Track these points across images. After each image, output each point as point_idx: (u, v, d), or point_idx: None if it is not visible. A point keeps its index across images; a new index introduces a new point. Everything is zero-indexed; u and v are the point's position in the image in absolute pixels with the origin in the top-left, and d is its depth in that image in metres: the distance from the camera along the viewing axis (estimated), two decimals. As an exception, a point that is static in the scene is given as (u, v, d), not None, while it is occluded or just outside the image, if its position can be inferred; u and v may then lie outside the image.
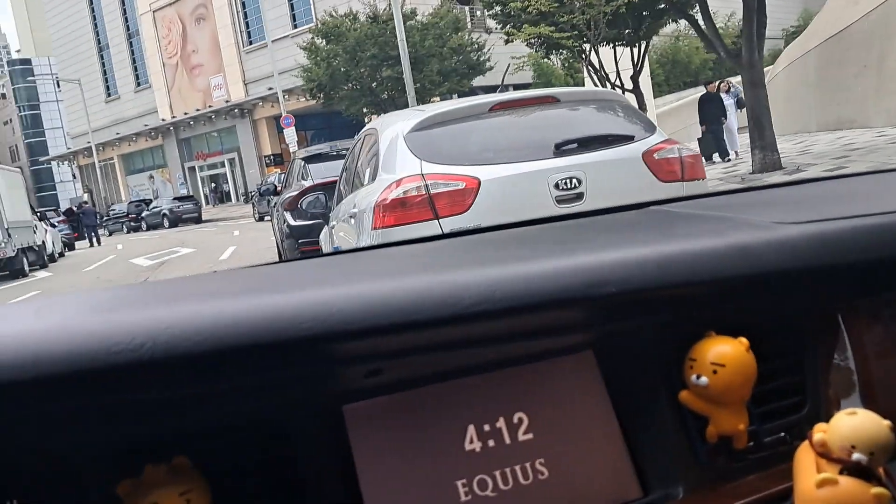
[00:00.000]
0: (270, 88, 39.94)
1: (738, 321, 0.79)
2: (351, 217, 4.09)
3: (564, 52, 20.81)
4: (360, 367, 0.67)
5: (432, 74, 26.08)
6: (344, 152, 8.05)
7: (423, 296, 0.66)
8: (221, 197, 45.99)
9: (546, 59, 25.99)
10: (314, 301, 0.64)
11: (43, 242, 19.86)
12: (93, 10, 50.82)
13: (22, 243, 17.52)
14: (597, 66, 18.29)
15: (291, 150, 31.67)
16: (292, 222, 7.40)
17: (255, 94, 41.03)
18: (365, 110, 28.85)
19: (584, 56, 19.75)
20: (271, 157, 42.43)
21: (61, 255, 22.72)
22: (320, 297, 0.65)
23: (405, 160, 3.56)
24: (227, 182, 45.62)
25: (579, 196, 3.37)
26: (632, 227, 1.04)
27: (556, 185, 3.33)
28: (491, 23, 25.61)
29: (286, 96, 39.28)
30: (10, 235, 16.71)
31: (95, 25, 50.80)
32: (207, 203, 44.74)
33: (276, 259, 11.86)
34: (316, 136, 42.06)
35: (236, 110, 41.94)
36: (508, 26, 19.93)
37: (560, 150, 3.39)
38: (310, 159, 7.81)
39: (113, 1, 49.06)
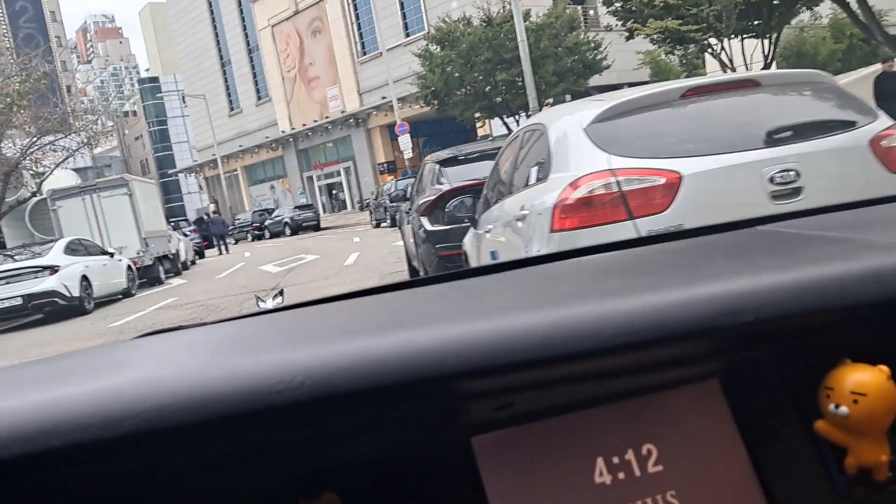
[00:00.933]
0: (384, 97, 40.53)
1: (874, 347, 0.75)
2: (518, 220, 3.77)
3: (689, 46, 19.95)
4: (491, 401, 0.68)
5: (548, 75, 25.61)
6: (479, 154, 7.80)
7: (560, 329, 0.66)
8: (338, 205, 47.04)
9: (670, 55, 25.05)
10: (453, 337, 0.65)
11: (177, 251, 20.70)
12: (215, 28, 53.21)
13: (158, 252, 18.28)
14: (725, 59, 17.37)
15: (406, 157, 31.89)
16: (429, 227, 7.17)
17: (370, 104, 41.73)
18: (478, 115, 28.67)
19: (710, 50, 18.86)
20: (385, 165, 43.04)
21: (193, 262, 23.67)
22: (458, 332, 0.66)
23: (586, 155, 3.21)
24: (343, 190, 46.60)
25: (797, 191, 2.93)
26: (749, 251, 1.01)
27: (771, 180, 2.90)
28: (609, 20, 24.98)
29: (399, 104, 39.81)
30: (147, 245, 17.45)
31: (218, 42, 53.16)
32: (325, 211, 45.84)
33: (405, 264, 11.84)
34: (428, 143, 42.40)
35: (351, 120, 42.80)
36: (631, 22, 19.29)
37: (773, 138, 2.96)
38: (445, 163, 7.58)
39: (234, 18, 51.19)
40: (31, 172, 18.98)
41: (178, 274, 20.29)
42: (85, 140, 19.55)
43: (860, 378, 0.71)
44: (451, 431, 0.70)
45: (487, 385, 0.65)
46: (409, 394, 0.63)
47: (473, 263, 5.56)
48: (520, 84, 26.68)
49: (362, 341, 0.66)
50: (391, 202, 9.37)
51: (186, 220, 28.62)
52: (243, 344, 0.76)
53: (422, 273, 8.05)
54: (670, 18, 16.05)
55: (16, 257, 14.45)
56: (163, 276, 18.34)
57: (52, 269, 13.25)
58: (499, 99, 27.16)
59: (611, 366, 0.68)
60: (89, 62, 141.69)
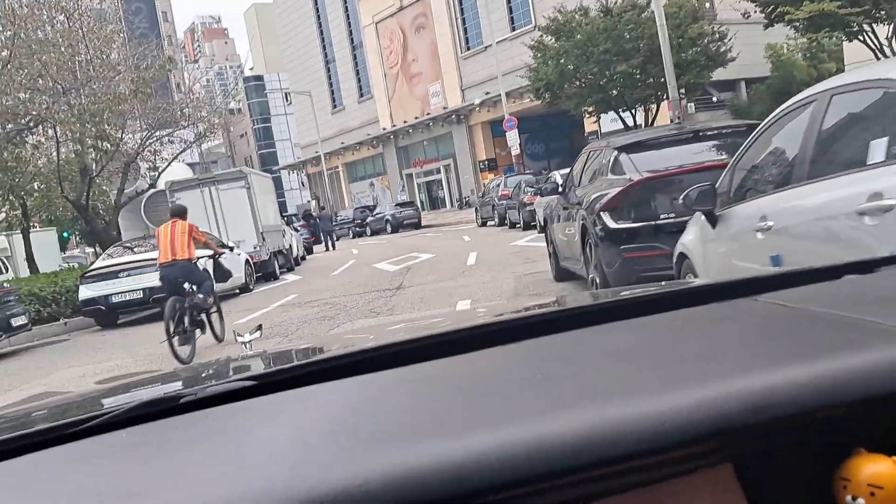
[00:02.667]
0: (487, 93, 39.61)
1: (890, 436, 0.74)
2: (862, 214, 2.68)
3: (837, 32, 18.14)
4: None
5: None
6: (672, 139, 6.68)
7: (588, 435, 0.66)
8: (436, 202, 46.41)
9: (816, 42, 23.13)
10: (482, 448, 0.65)
11: (290, 246, 20.31)
12: (320, 26, 53.54)
13: (274, 247, 17.86)
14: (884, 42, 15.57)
15: (513, 153, 30.85)
16: (613, 225, 6.13)
17: (472, 100, 40.89)
18: (591, 109, 27.28)
19: (861, 37, 17.04)
20: (486, 163, 42.14)
21: (303, 258, 23.32)
22: (491, 441, 0.66)
23: None
24: (442, 188, 45.95)
25: None
26: (758, 331, 0.97)
27: None
28: (730, 14, 23.27)
29: (505, 99, 38.77)
30: (264, 239, 17.03)
31: (322, 40, 53.46)
32: (423, 209, 45.33)
33: (537, 265, 10.82)
34: (530, 140, 41.21)
35: (453, 117, 42.09)
36: (771, 9, 17.68)
37: None
38: (629, 149, 6.50)
39: (339, 16, 51.33)
40: (149, 165, 18.90)
41: (290, 270, 19.87)
42: (201, 131, 19.37)
43: (876, 470, 0.70)
44: None
45: (511, 494, 0.64)
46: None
47: (702, 268, 4.48)
48: (637, 76, 25.19)
49: (433, 443, 0.66)
50: (541, 194, 8.37)
51: (295, 215, 28.40)
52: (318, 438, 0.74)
53: (589, 277, 7.00)
54: (828, 0, 14.42)
55: (135, 249, 14.17)
56: (278, 271, 17.92)
57: (174, 262, 12.84)
58: (614, 92, 25.75)
59: (628, 468, 0.67)
60: (196, 62, 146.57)
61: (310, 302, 11.84)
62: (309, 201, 53.50)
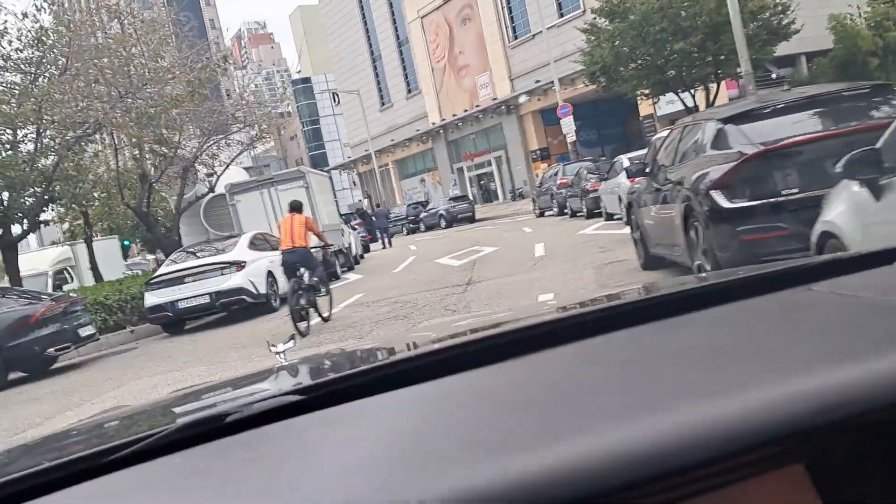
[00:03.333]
0: (537, 81, 38.81)
1: None
2: None
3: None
4: None
5: (731, 43, 22.96)
6: (785, 106, 5.98)
7: (656, 447, 0.63)
8: (489, 195, 45.77)
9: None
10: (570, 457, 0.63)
11: (349, 245, 19.98)
12: (366, 24, 53.35)
13: (334, 246, 17.51)
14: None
15: (569, 140, 30.07)
16: (727, 204, 5.47)
17: (521, 90, 40.12)
18: (647, 91, 26.31)
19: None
20: (538, 153, 41.34)
21: (362, 257, 22.99)
22: (584, 448, 0.64)
23: None
24: (494, 180, 45.30)
25: None
26: (820, 324, 0.92)
27: None
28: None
29: (554, 86, 37.92)
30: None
31: (369, 38, 53.26)
32: (476, 202, 44.76)
33: (617, 253, 10.18)
34: (582, 127, 40.18)
35: (503, 107, 41.39)
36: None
37: None
38: (735, 120, 5.83)
39: (384, 13, 51.04)
40: (207, 170, 18.73)
41: (351, 269, 19.53)
42: (256, 133, 19.14)
43: None
44: None
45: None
46: None
47: (858, 248, 3.81)
48: (695, 55, 24.18)
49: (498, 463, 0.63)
50: (630, 174, 7.73)
51: (351, 214, 28.19)
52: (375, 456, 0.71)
53: (694, 264, 6.34)
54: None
55: (198, 254, 13.93)
56: (339, 270, 17.56)
57: (240, 266, 12.53)
58: (672, 72, 24.76)
59: (707, 473, 0.65)
60: (244, 68, 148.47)
61: (378, 301, 11.39)
62: (360, 200, 53.40)
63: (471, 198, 39.20)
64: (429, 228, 37.13)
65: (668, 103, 34.87)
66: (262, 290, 12.69)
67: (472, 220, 35.25)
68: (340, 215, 21.51)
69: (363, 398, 0.89)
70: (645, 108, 35.50)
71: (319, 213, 16.70)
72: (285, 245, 9.31)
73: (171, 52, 15.31)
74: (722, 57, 23.15)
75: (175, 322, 12.92)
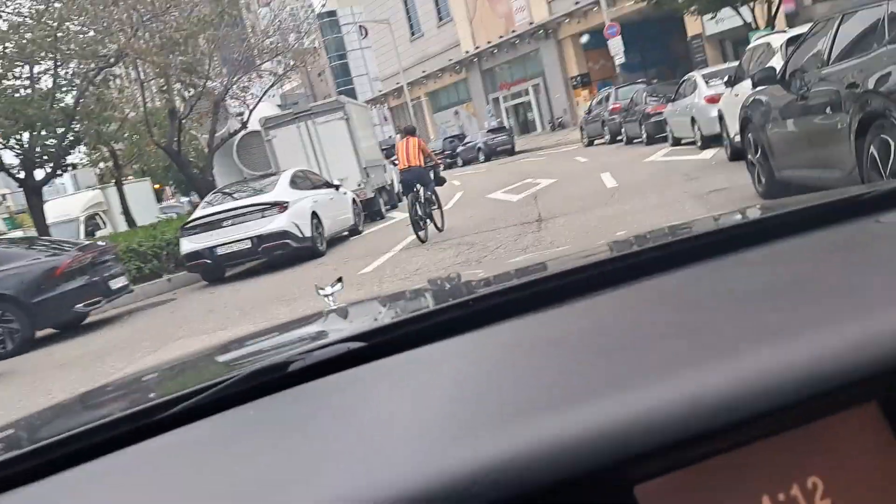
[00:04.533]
0: (577, 2, 36.42)
1: None
2: None
3: None
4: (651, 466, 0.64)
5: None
6: None
7: (731, 394, 0.62)
8: (525, 126, 43.78)
9: None
10: (619, 420, 0.61)
11: (392, 181, 18.61)
12: (394, -51, 50.64)
13: (377, 183, 16.18)
14: None
15: (618, 61, 27.97)
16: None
17: (560, 12, 37.73)
18: (702, 6, 24.05)
19: None
20: (579, 79, 39.12)
21: (404, 194, 21.58)
22: (633, 404, 0.62)
23: None
24: (532, 110, 43.25)
25: None
26: (875, 258, 0.89)
27: None
28: None
29: (595, 7, 35.55)
30: (368, 175, 15.33)
31: (397, -36, 50.60)
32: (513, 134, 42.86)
33: (715, 179, 8.61)
34: (625, 51, 37.75)
35: (540, 32, 39.06)
36: None
37: None
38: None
39: (412, -64, 48.29)
40: (239, 103, 17.28)
41: (394, 207, 18.19)
42: (289, 63, 17.58)
43: None
44: (614, 483, 0.64)
45: (662, 455, 0.61)
46: (580, 485, 0.59)
47: None
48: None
49: (536, 422, 0.61)
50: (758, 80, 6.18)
51: (388, 148, 26.70)
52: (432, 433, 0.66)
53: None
54: None
55: (235, 195, 12.63)
56: (383, 209, 16.26)
57: (282, 206, 11.24)
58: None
59: (775, 418, 0.64)
60: (268, 5, 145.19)
61: (438, 244, 10.08)
62: (390, 137, 51.72)
63: (509, 129, 37.33)
64: (466, 163, 35.55)
65: (717, 21, 32.63)
66: (308, 232, 11.43)
67: (511, 152, 33.63)
68: (383, 149, 20.05)
69: (422, 346, 0.85)
70: (692, 27, 33.11)
71: (360, 147, 15.30)
72: (402, 165, 10.45)
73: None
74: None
75: (214, 269, 11.75)
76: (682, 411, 0.60)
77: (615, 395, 0.63)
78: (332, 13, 78.75)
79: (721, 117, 11.18)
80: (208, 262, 11.42)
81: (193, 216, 12.34)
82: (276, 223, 11.09)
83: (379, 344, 0.87)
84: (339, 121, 15.10)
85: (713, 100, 13.31)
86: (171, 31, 11.95)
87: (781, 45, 8.36)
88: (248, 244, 11.14)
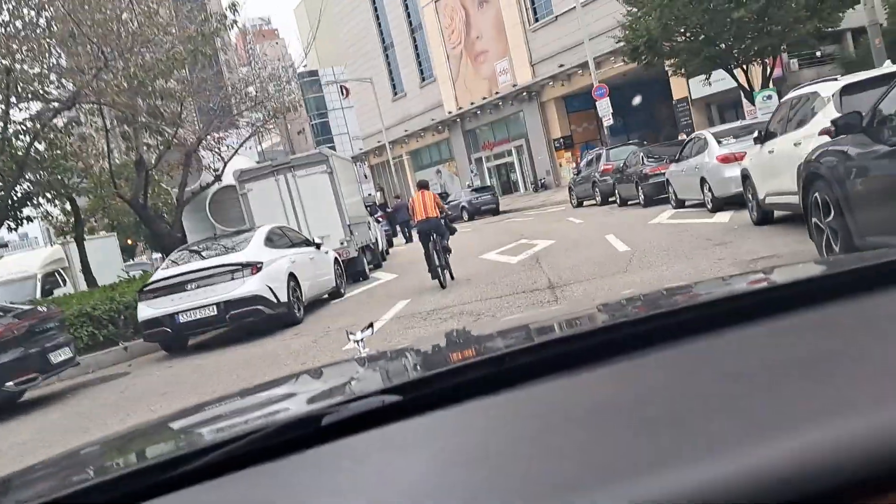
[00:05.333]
0: (561, 65, 36.01)
1: None
2: None
3: None
4: None
5: (797, 10, 20.19)
6: None
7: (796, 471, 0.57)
8: (509, 187, 42.92)
9: None
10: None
11: (376, 239, 17.28)
12: (376, 10, 50.43)
13: (361, 241, 14.83)
14: None
15: (606, 123, 27.18)
16: None
17: (543, 75, 37.30)
18: (692, 69, 23.38)
19: None
20: (561, 141, 38.52)
21: (387, 252, 20.25)
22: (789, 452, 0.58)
23: None
24: (515, 171, 42.50)
25: None
26: None
27: None
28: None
29: (579, 71, 35.11)
30: (352, 233, 13.99)
31: (379, 25, 50.35)
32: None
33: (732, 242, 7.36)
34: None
35: (524, 94, 38.61)
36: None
37: None
38: None
39: (395, -1, 48.14)
40: (215, 152, 15.93)
41: (378, 266, 16.85)
42: (270, 113, 16.33)
43: None
44: None
45: None
46: None
47: None
48: (752, 25, 21.34)
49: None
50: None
51: (374, 204, 25.40)
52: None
53: None
54: None
55: (204, 253, 11.18)
56: (367, 269, 14.88)
57: (255, 268, 9.79)
58: (723, 45, 21.94)
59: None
60: (249, 64, 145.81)
61: (434, 312, 8.70)
62: (370, 194, 50.62)
63: (493, 188, 36.39)
64: (450, 221, 34.43)
65: (704, 84, 32.24)
66: (283, 297, 9.99)
67: (496, 211, 32.61)
68: (366, 206, 18.77)
69: (461, 402, 0.79)
70: (678, 90, 32.70)
71: (344, 203, 14.01)
72: (419, 216, 10.74)
73: (165, 6, 12.47)
74: (788, 26, 20.29)
75: (175, 338, 10.23)
76: (739, 493, 0.55)
77: (662, 472, 0.58)
78: (313, 72, 78.50)
79: (746, 177, 10.07)
80: (168, 330, 9.89)
81: (153, 277, 10.86)
82: (247, 286, 9.64)
83: (416, 398, 0.82)
84: (321, 174, 13.83)
85: (727, 159, 12.27)
86: (137, 70, 10.59)
87: (834, 95, 7.24)
88: (213, 311, 9.65)
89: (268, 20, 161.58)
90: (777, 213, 9.50)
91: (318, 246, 11.91)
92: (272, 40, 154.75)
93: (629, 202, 19.31)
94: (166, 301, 9.80)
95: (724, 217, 11.76)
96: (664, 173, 16.29)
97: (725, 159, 12.32)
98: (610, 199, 21.24)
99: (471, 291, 9.76)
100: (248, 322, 9.98)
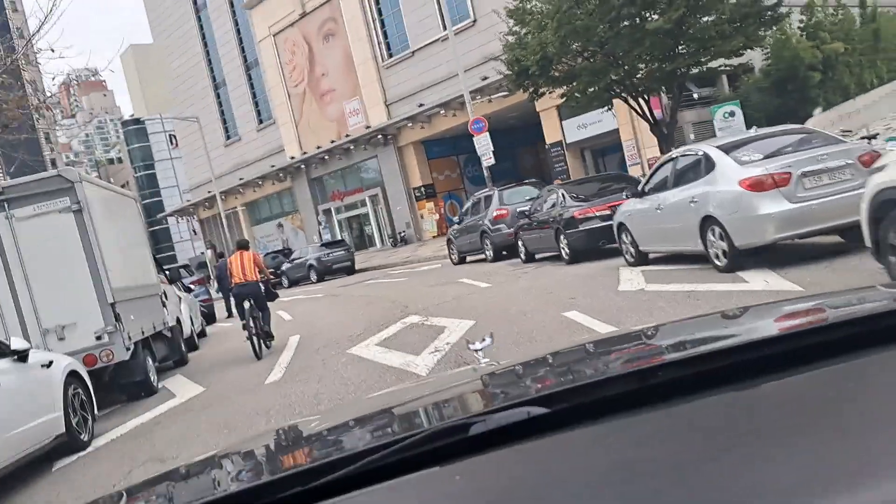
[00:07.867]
0: (421, 105, 31.18)
1: None
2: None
3: None
4: None
5: (721, 23, 16.34)
6: None
7: None
8: (363, 241, 37.16)
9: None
10: None
11: (178, 321, 10.86)
12: (206, 45, 43.64)
13: (142, 328, 8.46)
14: None
15: (485, 163, 22.15)
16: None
17: (400, 116, 32.32)
18: (591, 98, 18.95)
19: None
20: (422, 190, 33.48)
21: (202, 335, 13.77)
22: None
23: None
24: (370, 223, 36.88)
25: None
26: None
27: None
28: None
29: (442, 111, 30.45)
30: (118, 317, 7.60)
31: (209, 61, 43.53)
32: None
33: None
34: (469, 161, 32.64)
35: (378, 137, 33.36)
36: None
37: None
38: None
39: (227, 31, 41.68)
40: None
41: (181, 363, 10.46)
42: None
43: None
44: None
45: None
46: None
47: None
48: (668, 42, 17.30)
49: None
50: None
51: (187, 266, 18.96)
52: None
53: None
54: None
55: None
56: (154, 377, 8.50)
57: None
58: (641, 67, 17.72)
59: None
60: (73, 116, 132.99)
61: None
62: (202, 253, 43.10)
63: (348, 243, 30.47)
64: (294, 283, 28.14)
65: (580, 127, 28.43)
66: None
67: (351, 270, 26.81)
68: (161, 268, 12.21)
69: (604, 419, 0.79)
70: (552, 134, 28.71)
71: (104, 261, 7.64)
72: (237, 279, 9.71)
73: None
74: (711, 43, 16.38)
75: None
76: None
77: None
78: (138, 120, 69.58)
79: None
80: None
81: None
82: None
83: (560, 412, 0.81)
84: (61, 213, 7.47)
85: (759, 185, 7.36)
86: None
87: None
88: None
89: (95, 71, 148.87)
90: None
91: (19, 355, 5.56)
92: (100, 91, 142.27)
93: (535, 257, 14.24)
94: None
95: (754, 279, 6.76)
96: (604, 215, 11.33)
97: (757, 185, 7.38)
98: (503, 253, 16.12)
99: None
100: None
